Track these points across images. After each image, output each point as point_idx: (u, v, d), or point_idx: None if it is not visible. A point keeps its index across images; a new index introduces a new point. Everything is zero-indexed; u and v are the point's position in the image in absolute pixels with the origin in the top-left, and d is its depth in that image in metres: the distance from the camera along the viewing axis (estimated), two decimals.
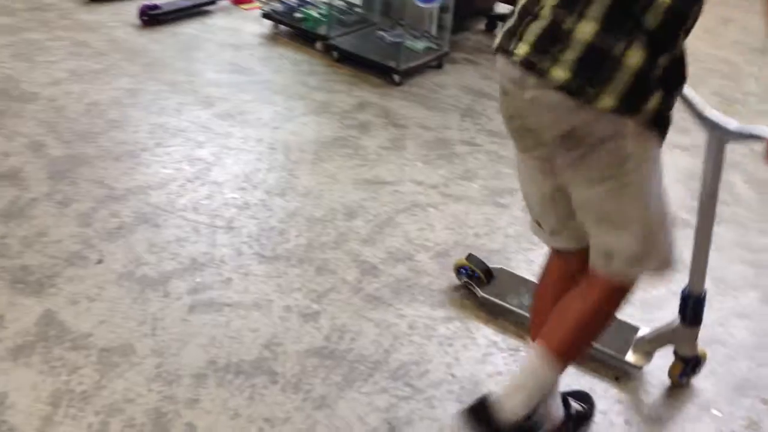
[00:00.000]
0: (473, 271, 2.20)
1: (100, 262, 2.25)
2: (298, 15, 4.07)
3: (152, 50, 3.77)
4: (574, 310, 1.49)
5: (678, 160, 3.12)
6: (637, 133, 1.32)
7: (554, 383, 1.57)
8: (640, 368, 1.99)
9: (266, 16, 4.16)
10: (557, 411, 1.66)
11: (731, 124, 1.60)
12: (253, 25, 4.25)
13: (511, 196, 2.78)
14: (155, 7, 4.07)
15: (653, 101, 1.29)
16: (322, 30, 3.94)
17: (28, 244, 2.27)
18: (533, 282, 1.94)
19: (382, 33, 3.95)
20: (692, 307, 1.85)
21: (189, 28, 4.11)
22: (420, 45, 3.85)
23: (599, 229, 1.45)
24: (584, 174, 1.39)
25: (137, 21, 4.06)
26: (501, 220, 2.63)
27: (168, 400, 1.78)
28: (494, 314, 2.17)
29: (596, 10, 1.26)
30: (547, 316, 1.54)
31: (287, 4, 4.14)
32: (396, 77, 3.63)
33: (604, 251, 1.46)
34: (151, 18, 4.06)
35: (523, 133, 1.46)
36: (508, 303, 2.14)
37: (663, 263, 1.48)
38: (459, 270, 2.24)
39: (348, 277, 2.28)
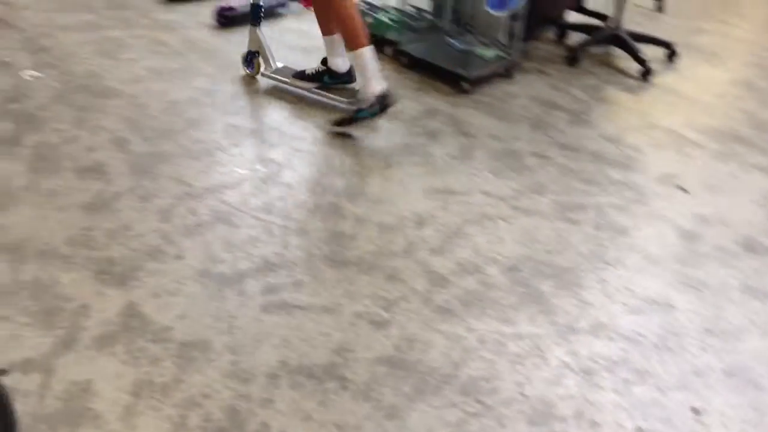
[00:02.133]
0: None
1: (179, 257, 2.32)
2: (367, 20, 4.10)
3: (227, 51, 3.86)
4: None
5: (757, 181, 3.03)
6: None
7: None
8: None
9: None
10: None
11: None
12: None
13: (583, 212, 2.75)
14: (230, 8, 4.17)
15: None
16: (391, 35, 3.97)
17: (112, 237, 2.36)
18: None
19: (451, 40, 3.95)
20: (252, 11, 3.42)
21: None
22: (490, 53, 3.84)
23: None
24: None
25: (212, 22, 4.17)
26: (572, 237, 2.61)
27: (243, 399, 1.83)
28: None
29: None
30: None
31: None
32: (465, 85, 3.63)
33: None
34: (226, 19, 4.15)
35: None
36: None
37: None
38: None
39: (417, 286, 2.30)
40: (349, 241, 2.49)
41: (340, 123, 3.16)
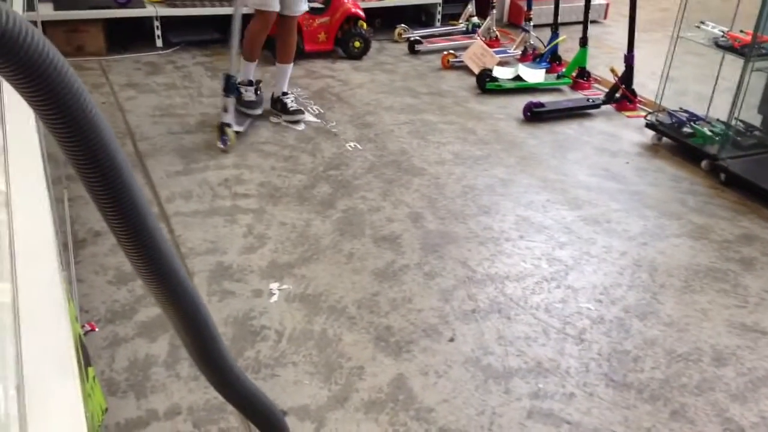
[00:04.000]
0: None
1: (452, 340, 2.32)
2: (686, 130, 3.84)
3: (530, 145, 3.91)
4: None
5: None
6: None
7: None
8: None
9: (650, 126, 4.02)
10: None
11: None
12: (633, 133, 4.15)
13: None
14: (540, 104, 4.24)
15: None
16: (710, 149, 3.66)
17: (394, 307, 2.46)
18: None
19: None
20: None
21: (567, 128, 4.18)
22: None
23: None
24: None
25: (520, 115, 4.27)
26: None
27: None
28: None
29: None
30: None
31: (677, 117, 3.94)
32: None
33: None
34: (534, 114, 4.23)
35: None
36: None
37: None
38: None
39: None
40: (632, 362, 2.26)
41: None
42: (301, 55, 5.01)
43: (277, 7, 3.66)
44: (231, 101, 3.60)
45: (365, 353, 2.22)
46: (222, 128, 3.58)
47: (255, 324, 2.32)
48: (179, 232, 2.82)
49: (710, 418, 2.05)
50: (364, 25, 5.14)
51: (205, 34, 5.24)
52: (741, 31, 3.57)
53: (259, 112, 3.97)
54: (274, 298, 2.46)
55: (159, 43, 5.01)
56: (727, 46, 3.55)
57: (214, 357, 0.95)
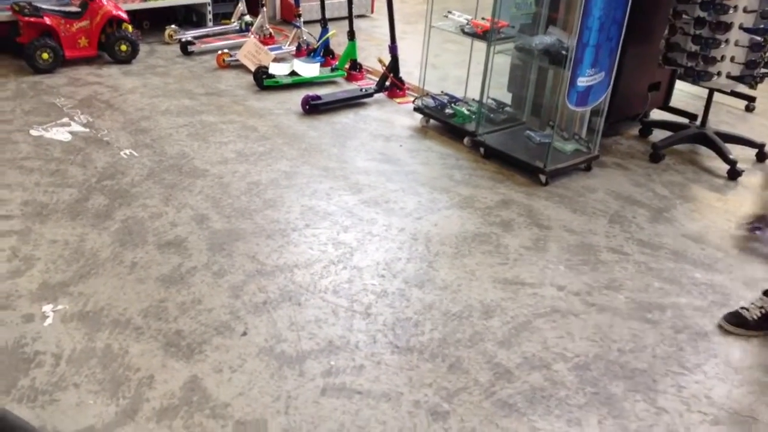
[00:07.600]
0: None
1: (244, 334, 2.35)
2: (448, 111, 4.21)
3: (310, 137, 4.03)
4: None
5: None
6: None
7: None
8: None
9: (418, 110, 4.33)
10: None
11: None
12: (404, 117, 4.44)
13: (661, 312, 2.62)
14: (317, 97, 4.38)
15: None
16: (470, 126, 4.04)
17: (183, 310, 2.43)
18: None
19: (530, 132, 3.98)
20: None
21: (345, 118, 4.37)
22: (569, 147, 3.82)
23: None
24: None
25: (299, 109, 4.38)
26: (648, 337, 2.48)
27: None
28: None
29: None
30: None
31: (439, 100, 4.30)
32: (542, 177, 3.61)
33: None
34: (312, 107, 4.36)
35: None
36: None
37: None
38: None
39: (481, 378, 2.23)
40: (414, 327, 2.46)
41: None
42: (63, 63, 4.68)
43: None
44: None
45: (155, 361, 2.18)
46: None
47: (28, 351, 2.16)
48: None
49: (481, 365, 2.29)
50: (129, 27, 4.92)
51: None
52: (482, 18, 3.97)
53: None
54: (49, 321, 2.31)
55: None
56: (472, 33, 3.93)
57: None
